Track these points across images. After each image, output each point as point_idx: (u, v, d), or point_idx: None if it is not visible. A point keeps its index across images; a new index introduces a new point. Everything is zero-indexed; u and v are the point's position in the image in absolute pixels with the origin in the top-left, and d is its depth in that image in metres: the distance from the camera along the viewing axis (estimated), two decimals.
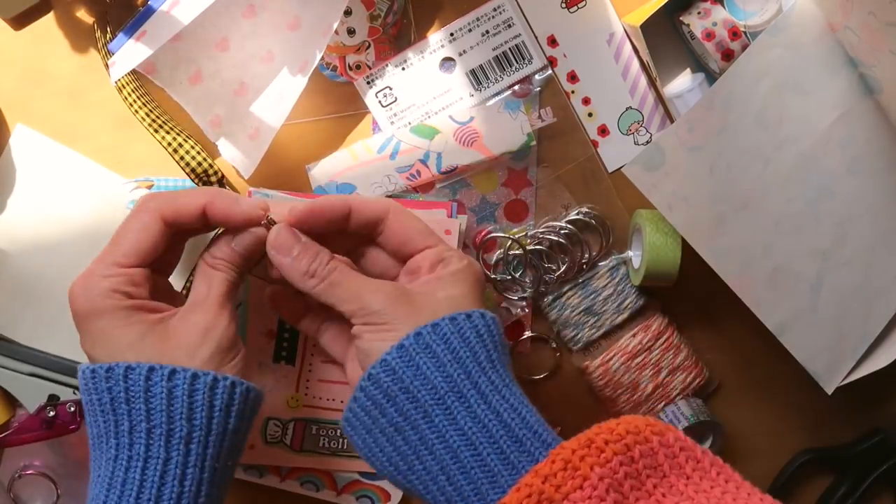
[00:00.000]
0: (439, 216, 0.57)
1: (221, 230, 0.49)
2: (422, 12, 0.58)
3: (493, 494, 0.41)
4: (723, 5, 0.56)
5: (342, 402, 0.57)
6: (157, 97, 0.57)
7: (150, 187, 0.57)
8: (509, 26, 0.58)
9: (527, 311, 0.61)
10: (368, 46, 0.57)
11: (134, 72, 0.53)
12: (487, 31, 0.58)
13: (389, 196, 0.59)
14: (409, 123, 0.59)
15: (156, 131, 0.55)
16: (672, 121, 0.60)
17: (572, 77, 0.59)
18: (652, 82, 0.60)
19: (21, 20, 0.56)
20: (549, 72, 0.59)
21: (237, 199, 0.47)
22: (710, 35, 0.55)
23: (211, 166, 0.55)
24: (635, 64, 0.60)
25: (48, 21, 0.57)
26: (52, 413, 0.55)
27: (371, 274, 0.49)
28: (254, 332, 0.58)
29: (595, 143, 0.60)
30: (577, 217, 0.60)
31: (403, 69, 0.58)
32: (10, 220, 0.57)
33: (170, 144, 0.55)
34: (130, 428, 0.43)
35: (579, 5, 0.59)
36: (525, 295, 0.60)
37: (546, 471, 0.38)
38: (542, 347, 0.62)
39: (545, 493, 0.37)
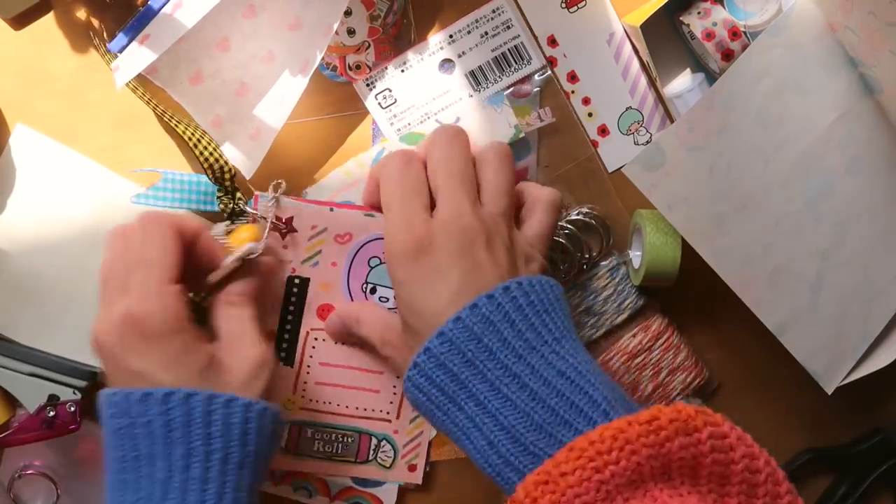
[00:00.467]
0: None
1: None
2: (422, 13, 0.58)
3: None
4: (723, 5, 0.56)
5: (339, 405, 0.57)
6: (158, 98, 0.57)
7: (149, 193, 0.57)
8: (508, 27, 0.58)
9: None
10: (368, 47, 0.57)
11: None
12: (486, 33, 0.58)
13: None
14: (409, 125, 0.59)
15: (177, 125, 0.55)
16: (672, 121, 0.60)
17: (572, 77, 0.60)
18: (652, 82, 0.60)
19: (21, 20, 0.56)
20: (548, 72, 0.59)
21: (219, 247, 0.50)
22: (710, 35, 0.55)
23: (226, 163, 0.55)
24: (635, 64, 0.60)
25: (48, 21, 0.57)
26: (52, 413, 0.55)
27: None
28: None
29: (595, 143, 0.60)
30: (577, 217, 0.60)
31: (403, 71, 0.58)
32: (10, 220, 0.57)
33: (190, 139, 0.54)
34: (188, 452, 0.44)
35: (579, 5, 0.59)
36: None
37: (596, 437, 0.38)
38: None
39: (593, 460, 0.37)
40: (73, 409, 0.56)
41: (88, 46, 0.57)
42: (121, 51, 0.53)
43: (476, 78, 0.59)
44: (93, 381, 0.56)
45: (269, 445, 0.47)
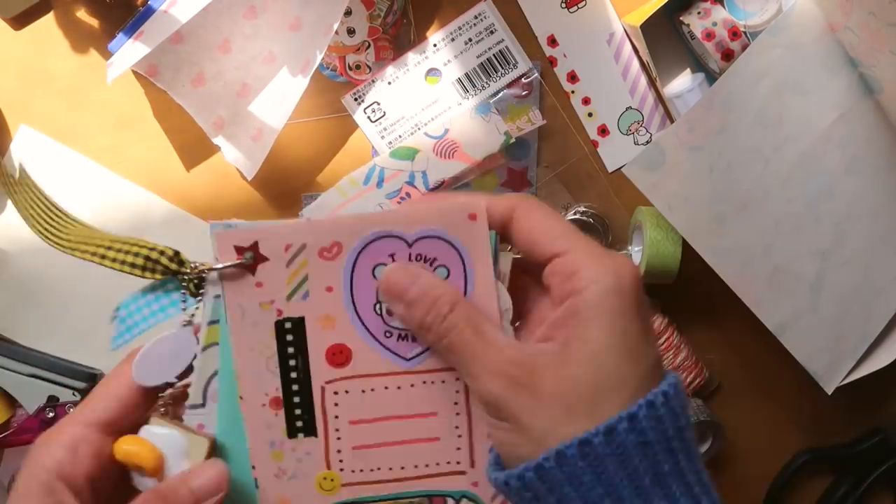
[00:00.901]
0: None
1: None
2: (421, 12, 0.58)
3: None
4: (723, 5, 0.56)
5: (391, 469, 0.44)
6: (160, 98, 0.57)
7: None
8: (491, 33, 0.58)
9: None
10: (368, 46, 0.57)
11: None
12: (470, 40, 0.58)
13: None
14: (399, 137, 0.59)
15: (72, 251, 0.46)
16: (672, 121, 0.60)
17: (572, 77, 0.60)
18: (652, 82, 0.60)
19: (21, 20, 0.57)
20: (536, 74, 0.59)
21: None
22: (710, 35, 0.55)
23: (152, 248, 0.42)
24: (635, 64, 0.60)
25: (48, 21, 0.57)
26: (51, 414, 0.55)
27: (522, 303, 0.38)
28: (251, 405, 0.44)
29: (595, 143, 0.60)
30: (576, 217, 0.60)
31: (390, 84, 0.58)
32: (10, 220, 0.57)
33: (94, 255, 0.44)
34: None
35: (579, 5, 0.59)
36: None
37: None
38: None
39: None
40: (71, 409, 0.56)
41: (88, 46, 0.57)
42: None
43: (463, 85, 0.59)
44: (92, 382, 0.56)
45: None
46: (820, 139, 0.55)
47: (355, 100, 0.59)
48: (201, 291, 0.42)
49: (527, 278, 0.38)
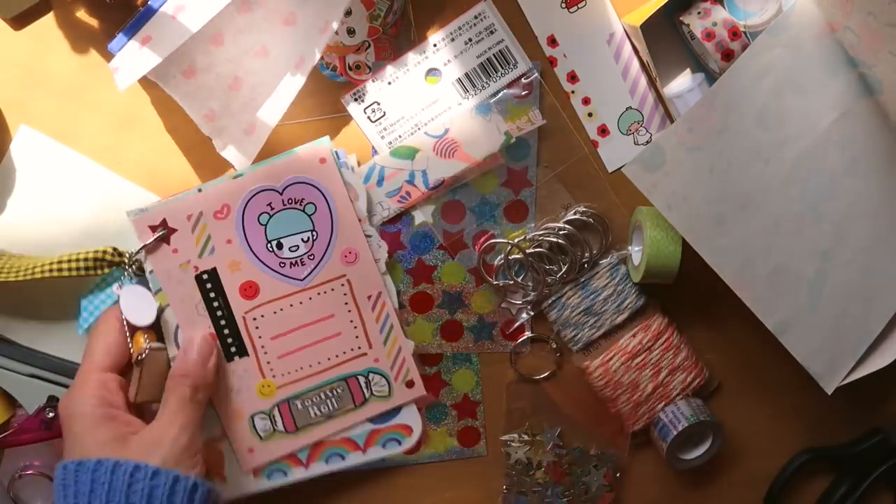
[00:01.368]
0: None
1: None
2: (421, 12, 0.58)
3: None
4: (723, 5, 0.56)
5: (310, 365, 0.57)
6: (160, 99, 0.57)
7: None
8: (491, 32, 0.58)
9: (531, 313, 0.61)
10: (368, 46, 0.57)
11: None
12: (470, 40, 0.58)
13: (386, 221, 0.59)
14: (400, 137, 0.59)
15: (29, 276, 0.53)
16: (672, 121, 0.60)
17: (572, 77, 0.60)
18: (652, 82, 0.60)
19: (21, 20, 0.56)
20: (535, 74, 0.59)
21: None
22: (710, 35, 0.55)
23: (97, 251, 0.53)
24: (635, 64, 0.60)
25: (48, 21, 0.57)
26: (51, 414, 0.55)
27: None
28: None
29: (595, 143, 0.60)
30: (575, 217, 0.60)
31: (390, 83, 0.58)
32: (10, 220, 0.57)
33: (50, 271, 0.53)
34: None
35: (579, 5, 0.59)
36: (529, 299, 0.60)
37: None
38: (543, 348, 0.62)
39: None
40: None
41: (88, 46, 0.57)
42: (119, 50, 0.53)
43: (463, 85, 0.59)
44: None
45: None
46: (820, 139, 0.55)
47: (355, 99, 0.59)
48: (146, 272, 0.55)
49: None
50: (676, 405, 0.59)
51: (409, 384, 0.58)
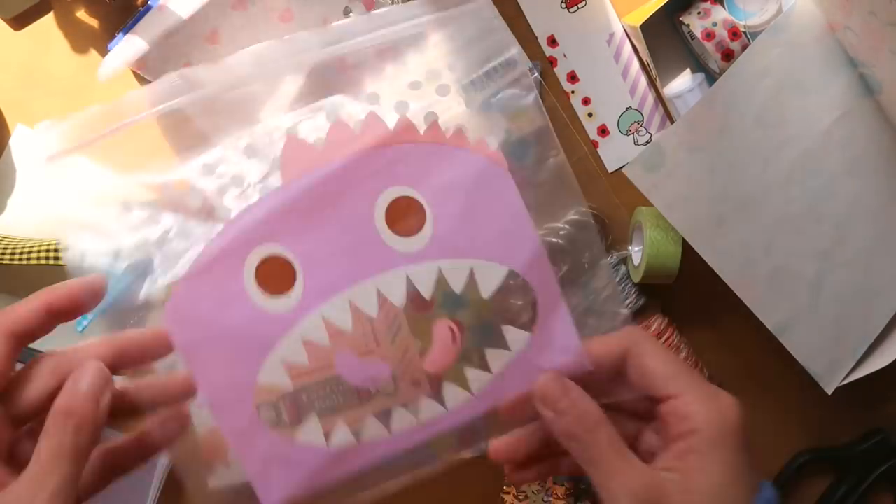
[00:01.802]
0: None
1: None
2: None
3: None
4: (723, 5, 0.56)
5: None
6: None
7: None
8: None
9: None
10: None
11: None
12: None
13: None
14: None
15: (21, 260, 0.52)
16: (672, 121, 0.60)
17: (572, 77, 0.60)
18: (652, 82, 0.60)
19: (21, 20, 0.57)
20: (535, 74, 0.59)
21: (74, 283, 0.40)
22: (710, 35, 0.55)
23: (41, 243, 0.52)
24: (635, 64, 0.60)
25: (48, 21, 0.57)
26: None
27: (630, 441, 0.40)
28: None
29: (595, 144, 0.60)
30: (576, 217, 0.60)
31: None
32: (10, 220, 0.57)
33: (39, 257, 0.52)
34: None
35: (579, 5, 0.59)
36: None
37: None
38: None
39: None
40: None
41: (88, 46, 0.57)
42: None
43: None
44: None
45: None
46: (820, 139, 0.55)
47: None
48: None
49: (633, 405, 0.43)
50: None
51: None
